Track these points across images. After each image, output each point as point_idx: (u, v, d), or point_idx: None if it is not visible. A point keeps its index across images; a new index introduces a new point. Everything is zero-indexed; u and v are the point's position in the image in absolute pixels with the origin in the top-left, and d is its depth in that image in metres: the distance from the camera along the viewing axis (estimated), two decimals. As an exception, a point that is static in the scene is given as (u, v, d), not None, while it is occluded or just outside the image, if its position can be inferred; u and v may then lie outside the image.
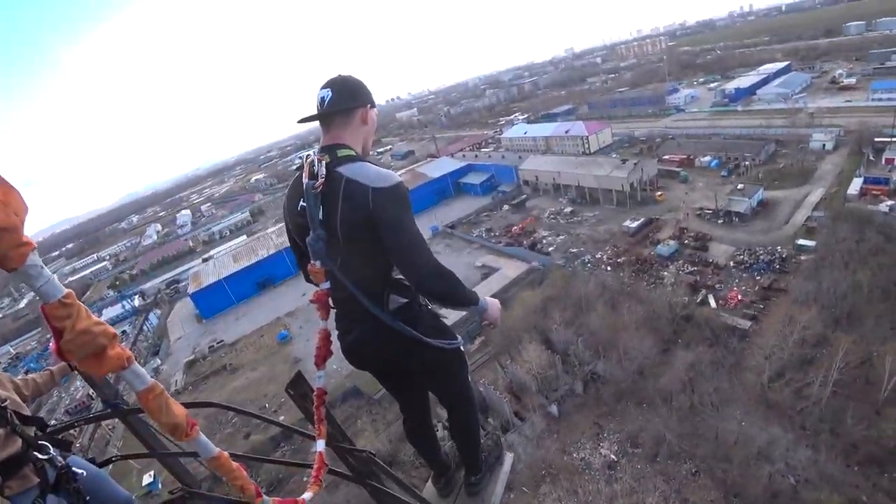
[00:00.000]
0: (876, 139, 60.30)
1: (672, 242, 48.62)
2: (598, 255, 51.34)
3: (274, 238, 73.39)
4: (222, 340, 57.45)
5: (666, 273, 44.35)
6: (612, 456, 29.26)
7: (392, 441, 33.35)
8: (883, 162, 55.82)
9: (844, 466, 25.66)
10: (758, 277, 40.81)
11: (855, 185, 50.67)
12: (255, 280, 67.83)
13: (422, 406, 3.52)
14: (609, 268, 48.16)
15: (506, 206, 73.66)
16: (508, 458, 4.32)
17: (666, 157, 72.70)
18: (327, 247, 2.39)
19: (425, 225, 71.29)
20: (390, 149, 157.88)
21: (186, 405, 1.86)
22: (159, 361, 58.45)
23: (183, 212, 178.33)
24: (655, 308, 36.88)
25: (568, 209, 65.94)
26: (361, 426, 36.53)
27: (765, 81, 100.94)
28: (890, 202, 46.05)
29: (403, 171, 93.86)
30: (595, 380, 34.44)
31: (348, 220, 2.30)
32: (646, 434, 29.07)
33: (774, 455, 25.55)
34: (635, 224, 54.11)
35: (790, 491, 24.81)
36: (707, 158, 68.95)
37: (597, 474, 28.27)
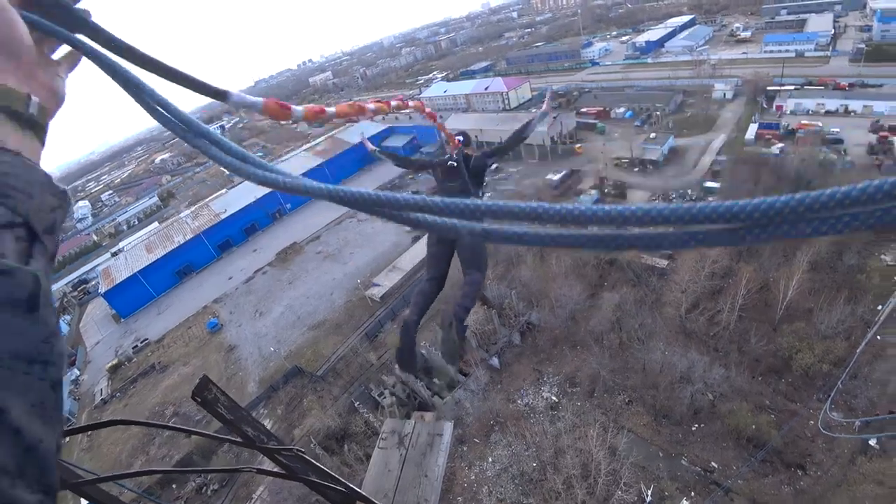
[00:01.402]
0: (768, 88, 66.51)
1: (593, 192, 50.97)
2: None
3: (190, 222, 67.65)
4: (147, 339, 53.30)
5: (595, 220, 46.60)
6: (554, 398, 30.95)
7: (341, 415, 33.06)
8: (774, 109, 61.74)
9: (750, 378, 29.10)
10: (669, 220, 43.93)
11: (751, 131, 55.70)
12: (174, 269, 62.75)
13: (446, 272, 4.93)
14: (536, 221, 49.79)
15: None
16: (447, 427, 4.12)
17: (583, 109, 75.14)
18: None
19: (352, 192, 69.16)
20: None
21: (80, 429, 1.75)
22: (78, 372, 52.48)
23: (80, 203, 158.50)
24: (581, 256, 38.67)
25: (492, 166, 66.36)
26: (308, 405, 35.80)
27: (672, 34, 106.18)
28: (780, 145, 51.25)
29: (322, 138, 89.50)
30: (531, 329, 35.84)
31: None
32: (582, 373, 30.95)
33: (694, 377, 28.22)
34: (558, 177, 55.91)
35: (709, 406, 27.81)
36: (622, 110, 72.10)
37: (541, 416, 29.88)
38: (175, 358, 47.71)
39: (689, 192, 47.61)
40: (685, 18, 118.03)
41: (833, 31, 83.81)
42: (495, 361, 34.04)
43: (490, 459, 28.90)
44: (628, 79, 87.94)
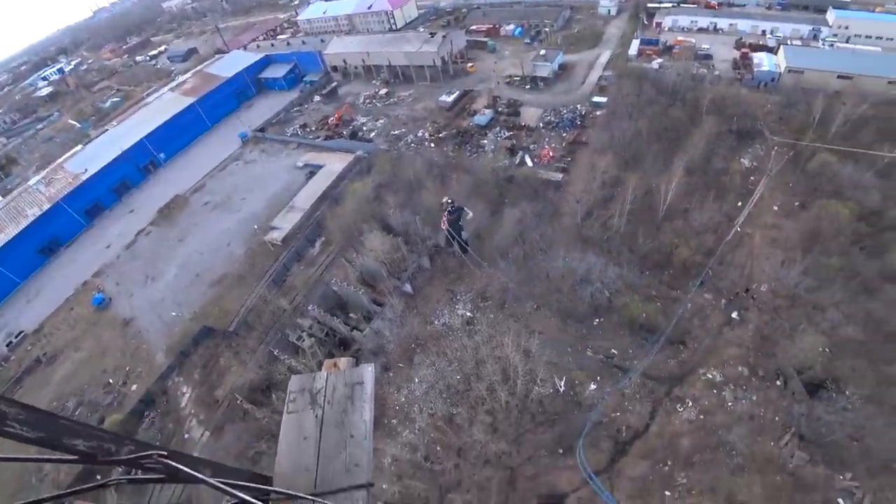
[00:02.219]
0: (648, 4, 69.77)
1: (487, 111, 50.80)
2: (420, 134, 51.55)
3: (43, 190, 55.94)
4: (22, 331, 45.50)
5: (485, 141, 46.82)
6: (468, 313, 32.17)
7: (262, 366, 31.73)
8: (654, 25, 65.03)
9: (640, 274, 32.38)
10: (564, 134, 45.58)
11: (634, 47, 58.26)
12: (36, 248, 52.57)
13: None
14: (432, 144, 49.03)
15: (317, 97, 67.71)
16: (368, 373, 3.21)
17: (473, 27, 72.93)
18: None
19: (231, 133, 62.21)
20: (164, 50, 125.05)
21: None
22: (-67, 392, 43.16)
23: None
24: (481, 175, 39.13)
25: (383, 91, 63.56)
26: (226, 363, 33.98)
27: None
28: (660, 60, 54.44)
29: (189, 74, 78.19)
30: (439, 252, 36.23)
31: None
32: (492, 288, 32.29)
33: (592, 278, 30.70)
34: (451, 98, 54.72)
35: (606, 302, 30.73)
36: (511, 27, 71.12)
37: (459, 333, 31.05)
38: (63, 345, 41.45)
39: (579, 107, 49.32)
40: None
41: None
42: (408, 287, 34.21)
43: (416, 380, 29.92)
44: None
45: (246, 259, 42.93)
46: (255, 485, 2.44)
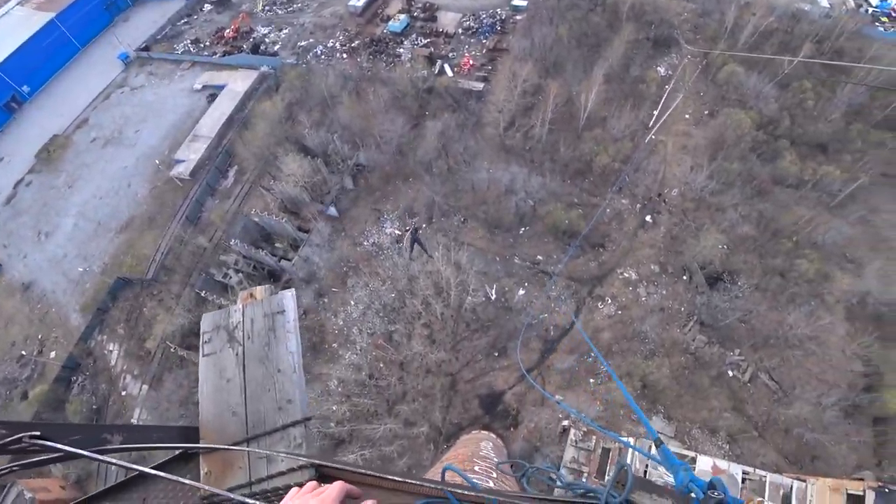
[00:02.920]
0: None
1: (402, 17, 46.76)
2: (331, 44, 46.67)
3: None
4: None
5: (401, 50, 43.51)
6: (397, 231, 31.72)
7: (191, 310, 30.13)
8: None
9: (562, 182, 33.03)
10: (484, 41, 43.40)
11: None
12: None
13: None
14: (345, 55, 44.67)
15: (207, 6, 58.36)
16: (289, 299, 2.76)
17: None
18: None
19: (109, 54, 53.44)
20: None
21: None
22: None
23: None
24: (399, 87, 36.92)
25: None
26: (150, 313, 31.88)
27: None
28: None
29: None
30: (361, 171, 34.81)
31: None
32: (418, 203, 31.82)
33: (516, 188, 30.96)
34: (362, 2, 49.47)
35: (531, 211, 31.38)
36: None
37: (389, 251, 30.82)
38: (-50, 328, 36.28)
39: (499, 11, 46.83)
40: None
41: None
42: (333, 210, 32.87)
43: (352, 303, 29.91)
44: None
45: (152, 199, 38.81)
46: (168, 445, 2.28)
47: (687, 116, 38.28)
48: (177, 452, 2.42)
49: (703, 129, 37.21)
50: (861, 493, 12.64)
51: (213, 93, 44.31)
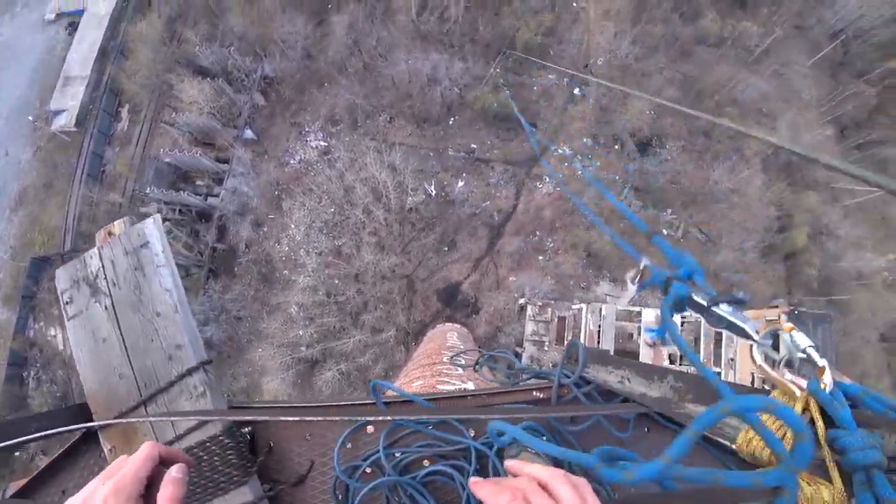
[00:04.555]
0: None
1: None
2: None
3: None
4: None
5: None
6: (322, 143, 29.95)
7: None
8: None
9: (486, 64, 31.55)
10: (382, -83, 38.73)
11: None
12: None
13: None
14: (224, -50, 38.81)
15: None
16: (150, 227, 2.32)
17: None
18: None
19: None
20: None
21: None
22: None
23: None
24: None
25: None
26: None
27: None
28: None
29: None
30: (270, 84, 31.74)
31: None
32: (339, 109, 29.76)
33: (439, 77, 29.36)
34: None
35: (458, 98, 30.27)
36: None
37: (318, 166, 29.30)
38: None
39: None
40: None
41: None
42: (249, 133, 30.29)
43: (293, 226, 28.79)
44: None
45: (40, 163, 34.07)
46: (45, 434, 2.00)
47: (603, -22, 36.83)
48: (76, 437, 2.15)
49: (621, -9, 36.12)
50: (777, 318, 14.03)
51: (71, 21, 37.50)
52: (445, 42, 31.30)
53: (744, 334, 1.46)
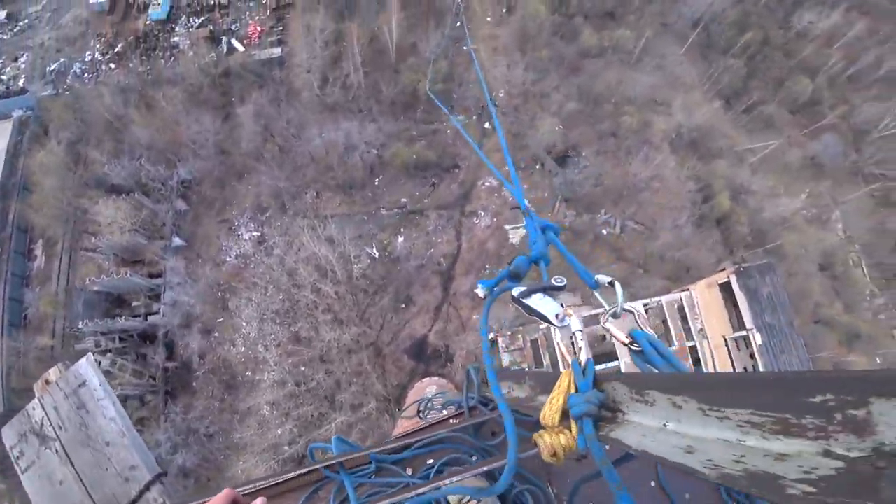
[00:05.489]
0: None
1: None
2: (89, 57, 38.86)
3: None
4: None
5: (176, 38, 37.82)
6: (255, 233, 29.55)
7: None
8: None
9: (395, 120, 32.57)
10: (264, 1, 39.63)
11: None
12: None
13: None
14: (112, 65, 37.75)
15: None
16: (85, 367, 2.49)
17: None
18: None
19: None
20: None
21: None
22: None
23: None
24: (190, 81, 32.72)
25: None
26: None
27: None
28: None
29: None
30: (189, 186, 31.30)
31: None
32: (264, 196, 29.74)
33: (355, 142, 30.14)
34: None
35: (377, 158, 30.95)
36: None
37: (257, 256, 28.87)
38: None
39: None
40: None
41: None
42: (178, 241, 29.46)
43: (244, 324, 27.91)
44: None
45: None
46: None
47: (488, 20, 39.36)
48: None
49: (506, 27, 38.68)
50: (727, 279, 14.93)
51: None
52: (353, 108, 32.15)
53: (545, 319, 1.70)
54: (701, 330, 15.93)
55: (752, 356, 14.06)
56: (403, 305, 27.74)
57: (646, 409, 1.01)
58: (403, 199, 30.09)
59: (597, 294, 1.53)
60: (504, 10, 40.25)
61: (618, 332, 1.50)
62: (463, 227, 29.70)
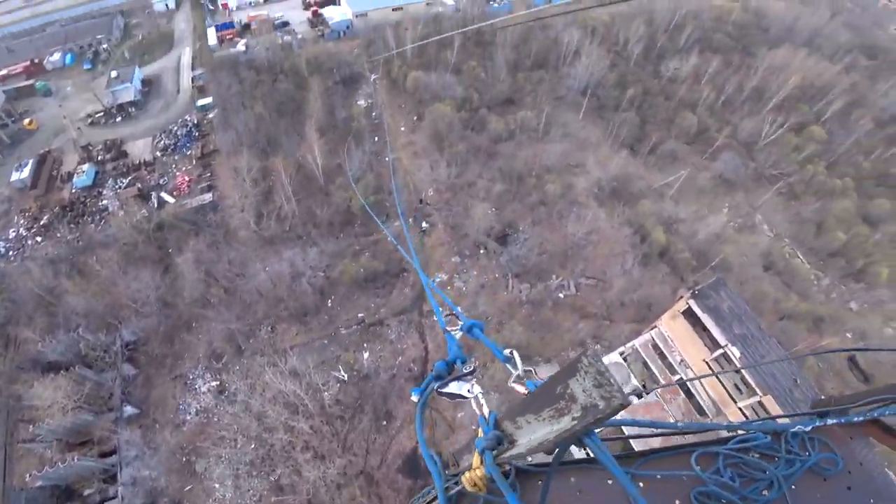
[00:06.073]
0: None
1: (86, 167, 40.41)
2: (13, 234, 38.11)
3: None
4: None
5: (105, 201, 37.80)
6: (213, 383, 28.33)
7: None
8: (221, 8, 61.19)
9: (336, 239, 33.41)
10: (188, 152, 40.76)
11: (212, 36, 54.22)
12: None
13: None
14: (39, 238, 36.97)
15: None
16: None
17: (2, 73, 54.71)
18: None
19: None
20: None
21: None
22: None
23: None
24: (124, 240, 32.36)
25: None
26: None
27: None
28: (243, 41, 52.41)
29: None
30: (135, 348, 29.83)
31: None
32: (217, 342, 28.95)
33: (301, 269, 30.40)
34: (26, 172, 40.91)
35: (325, 280, 31.05)
36: (57, 56, 56.58)
37: (219, 407, 27.45)
38: None
39: (188, 117, 44.54)
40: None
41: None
42: (129, 409, 27.53)
43: (217, 485, 25.64)
44: (38, 14, 66.85)
45: None
46: None
47: (403, 129, 42.40)
48: None
49: (420, 132, 41.80)
50: (687, 306, 15.29)
51: None
52: (292, 237, 32.68)
53: (462, 397, 2.16)
54: (682, 361, 16.09)
55: (737, 371, 14.10)
56: (385, 422, 26.72)
57: (521, 431, 1.52)
58: (360, 314, 30.05)
59: (516, 360, 1.96)
60: (415, 118, 43.70)
61: (520, 388, 1.98)
62: (425, 327, 29.79)
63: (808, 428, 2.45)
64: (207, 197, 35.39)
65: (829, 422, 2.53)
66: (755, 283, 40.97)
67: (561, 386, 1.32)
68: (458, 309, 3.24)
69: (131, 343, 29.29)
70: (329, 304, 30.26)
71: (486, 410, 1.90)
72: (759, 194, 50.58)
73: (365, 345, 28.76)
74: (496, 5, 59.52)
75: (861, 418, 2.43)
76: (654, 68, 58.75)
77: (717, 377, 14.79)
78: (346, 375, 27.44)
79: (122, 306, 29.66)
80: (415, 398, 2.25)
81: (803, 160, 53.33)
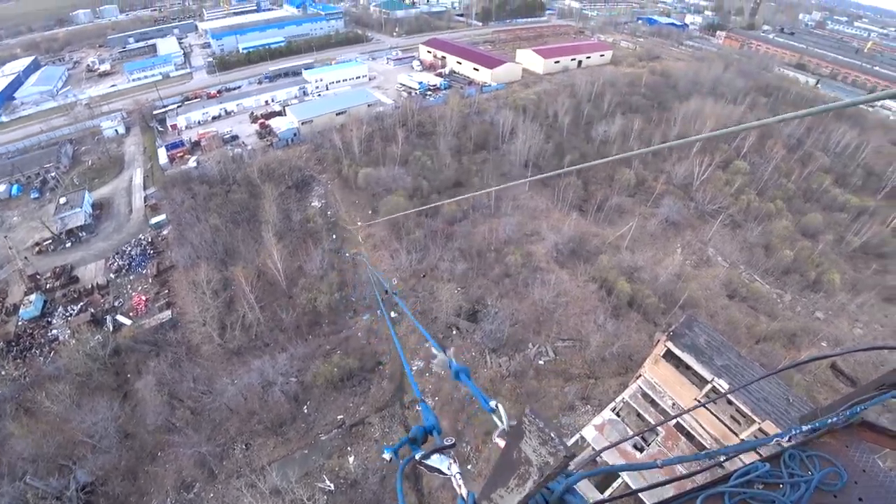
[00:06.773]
0: (154, 112, 68.11)
1: (33, 297, 38.14)
2: None
3: None
4: None
5: (54, 331, 35.44)
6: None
7: None
8: (171, 129, 63.72)
9: (305, 342, 32.95)
10: (144, 271, 39.83)
11: (162, 155, 55.74)
12: None
13: None
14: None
15: None
16: None
17: None
18: None
19: None
20: None
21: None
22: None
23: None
24: (76, 370, 29.99)
25: None
26: None
27: (18, 82, 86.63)
28: (194, 158, 54.18)
29: None
30: (93, 490, 26.37)
31: None
32: (187, 470, 26.36)
33: (271, 377, 29.32)
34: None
35: (299, 386, 30.03)
36: (2, 188, 55.55)
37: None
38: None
39: (142, 236, 44.05)
40: (25, 61, 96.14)
41: (182, 51, 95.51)
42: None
43: None
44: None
45: None
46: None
47: (359, 223, 43.54)
48: None
49: (376, 225, 43.05)
50: (666, 348, 14.90)
51: None
52: (259, 345, 31.64)
53: (441, 472, 2.21)
54: (674, 405, 15.79)
55: (729, 402, 13.98)
56: (376, 524, 24.70)
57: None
58: (339, 416, 28.67)
59: (501, 414, 2.08)
60: (370, 212, 45.21)
61: (501, 443, 2.03)
62: (409, 419, 28.68)
63: (786, 438, 2.48)
64: (166, 314, 34.13)
65: (813, 425, 2.55)
66: (724, 312, 42.44)
67: (516, 451, 1.55)
68: (451, 352, 3.38)
69: (88, 485, 26.22)
70: (305, 411, 28.78)
71: (464, 491, 2.01)
72: (705, 230, 54.26)
73: (349, 448, 27.13)
74: (431, 99, 66.48)
75: (837, 419, 2.45)
76: (585, 134, 64.92)
77: (714, 414, 14.69)
78: (332, 485, 25.50)
79: (77, 444, 27.02)
80: (386, 456, 2.35)
81: (736, 192, 59.18)
